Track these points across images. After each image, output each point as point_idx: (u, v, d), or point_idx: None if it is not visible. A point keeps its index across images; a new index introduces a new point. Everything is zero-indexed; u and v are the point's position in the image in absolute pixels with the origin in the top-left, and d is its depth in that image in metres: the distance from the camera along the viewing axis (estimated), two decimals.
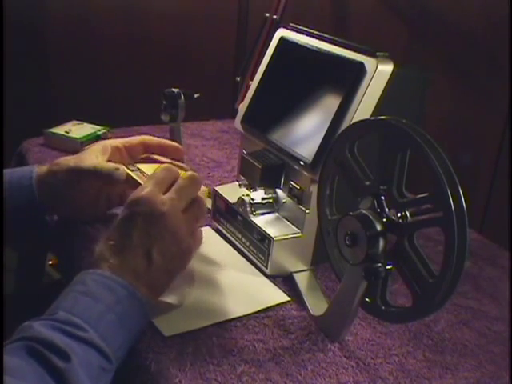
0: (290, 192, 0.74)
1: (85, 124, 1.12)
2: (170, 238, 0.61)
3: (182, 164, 0.78)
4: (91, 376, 0.50)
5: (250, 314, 0.66)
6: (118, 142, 0.79)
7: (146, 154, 0.80)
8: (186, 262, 0.65)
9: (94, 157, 0.75)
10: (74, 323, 0.51)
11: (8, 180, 0.74)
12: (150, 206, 0.61)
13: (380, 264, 0.57)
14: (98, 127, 1.11)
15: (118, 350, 0.54)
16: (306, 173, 0.70)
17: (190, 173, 0.66)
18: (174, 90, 0.87)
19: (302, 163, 0.70)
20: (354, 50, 0.70)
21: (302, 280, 0.73)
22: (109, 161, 0.76)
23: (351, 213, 0.57)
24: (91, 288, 0.55)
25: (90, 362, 0.50)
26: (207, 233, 0.82)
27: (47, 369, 0.47)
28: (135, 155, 0.79)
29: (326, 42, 0.74)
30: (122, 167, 0.74)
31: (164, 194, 0.63)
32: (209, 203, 0.81)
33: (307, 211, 0.72)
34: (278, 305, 0.68)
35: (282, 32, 0.81)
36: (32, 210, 0.75)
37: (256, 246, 0.75)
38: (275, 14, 1.21)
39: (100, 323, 0.53)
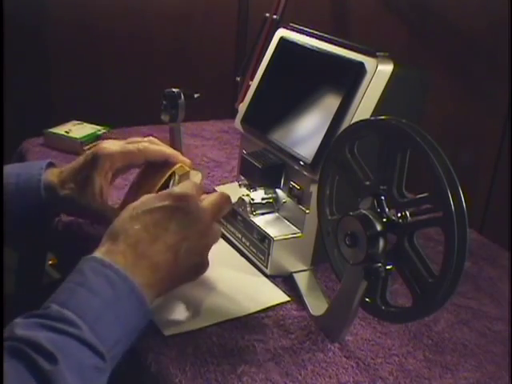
0: (290, 192, 0.74)
1: (85, 124, 1.12)
2: (199, 242, 0.61)
3: (187, 167, 0.76)
4: (83, 376, 0.48)
5: (250, 314, 0.66)
6: (114, 152, 0.73)
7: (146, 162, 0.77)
8: (199, 274, 0.64)
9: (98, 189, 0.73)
10: (66, 319, 0.49)
11: (15, 182, 0.72)
12: (195, 206, 0.61)
13: (380, 264, 0.57)
14: (98, 127, 1.11)
15: (113, 348, 0.51)
16: (306, 173, 0.70)
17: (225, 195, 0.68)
18: (173, 90, 0.87)
19: (302, 163, 0.70)
20: (354, 50, 0.70)
21: (301, 280, 0.73)
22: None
23: (351, 213, 0.57)
24: (89, 279, 0.53)
25: (81, 361, 0.48)
26: None
27: (32, 371, 0.45)
28: (133, 162, 0.76)
29: (326, 41, 0.74)
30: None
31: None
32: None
33: (307, 211, 0.72)
34: (277, 305, 0.68)
35: (281, 32, 0.81)
36: (39, 213, 0.73)
37: (256, 246, 0.74)
38: (275, 14, 1.21)
39: (95, 319, 0.50)
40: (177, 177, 0.74)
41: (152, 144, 0.75)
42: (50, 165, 0.76)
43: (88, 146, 1.03)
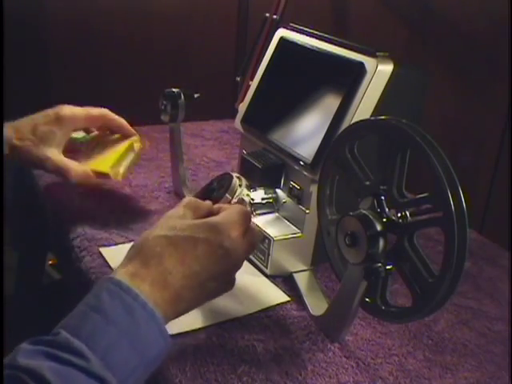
0: (290, 192, 0.74)
1: None
2: (226, 286, 0.59)
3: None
4: None
5: (250, 314, 0.66)
6: (78, 114, 0.86)
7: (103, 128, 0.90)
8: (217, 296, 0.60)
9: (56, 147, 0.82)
10: (74, 349, 0.45)
11: None
12: (228, 240, 0.56)
13: (380, 264, 0.57)
14: None
15: (129, 378, 0.47)
16: (306, 173, 0.70)
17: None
18: (173, 90, 0.87)
19: (302, 163, 0.70)
20: (354, 50, 0.70)
21: (302, 280, 0.73)
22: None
23: (351, 213, 0.57)
24: (104, 303, 0.49)
25: None
26: None
27: None
28: (93, 125, 0.91)
29: (326, 41, 0.74)
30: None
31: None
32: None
33: (307, 211, 0.72)
34: (278, 305, 0.68)
35: (281, 32, 0.81)
36: None
37: None
38: (275, 14, 1.21)
39: (107, 349, 0.47)
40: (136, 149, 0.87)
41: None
42: None
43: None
